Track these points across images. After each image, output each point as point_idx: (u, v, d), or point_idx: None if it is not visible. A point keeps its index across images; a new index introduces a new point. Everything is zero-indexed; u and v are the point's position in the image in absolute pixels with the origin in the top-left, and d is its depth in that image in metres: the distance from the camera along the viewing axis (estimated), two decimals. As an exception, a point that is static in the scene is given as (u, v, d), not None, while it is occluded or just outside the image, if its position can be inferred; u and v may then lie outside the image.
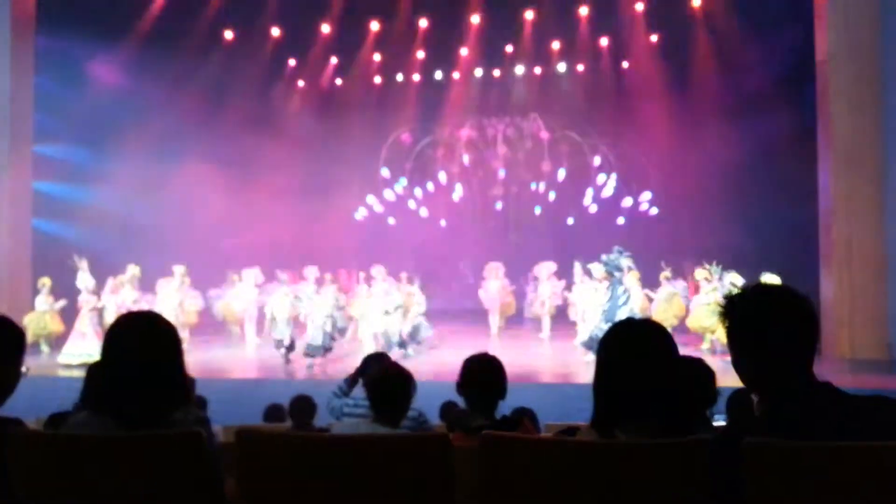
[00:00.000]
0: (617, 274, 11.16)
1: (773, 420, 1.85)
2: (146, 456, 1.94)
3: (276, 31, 16.14)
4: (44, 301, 12.27)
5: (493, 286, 14.36)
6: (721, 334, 10.73)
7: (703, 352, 10.78)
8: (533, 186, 17.37)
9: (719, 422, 3.61)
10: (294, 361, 11.28)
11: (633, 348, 1.96)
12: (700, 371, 3.26)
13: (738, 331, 1.94)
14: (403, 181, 17.43)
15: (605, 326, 10.29)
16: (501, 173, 17.56)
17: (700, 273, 11.77)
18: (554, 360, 11.53)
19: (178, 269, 13.10)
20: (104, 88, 14.73)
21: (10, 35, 13.02)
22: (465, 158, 17.45)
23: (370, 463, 1.97)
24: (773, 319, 1.88)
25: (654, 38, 15.95)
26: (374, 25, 16.20)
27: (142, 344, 2.06)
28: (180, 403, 2.08)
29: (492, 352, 3.52)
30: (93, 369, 3.46)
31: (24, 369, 2.37)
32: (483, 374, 3.28)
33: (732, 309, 1.94)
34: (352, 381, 4.51)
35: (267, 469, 2.01)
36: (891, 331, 11.37)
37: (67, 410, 3.64)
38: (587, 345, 10.85)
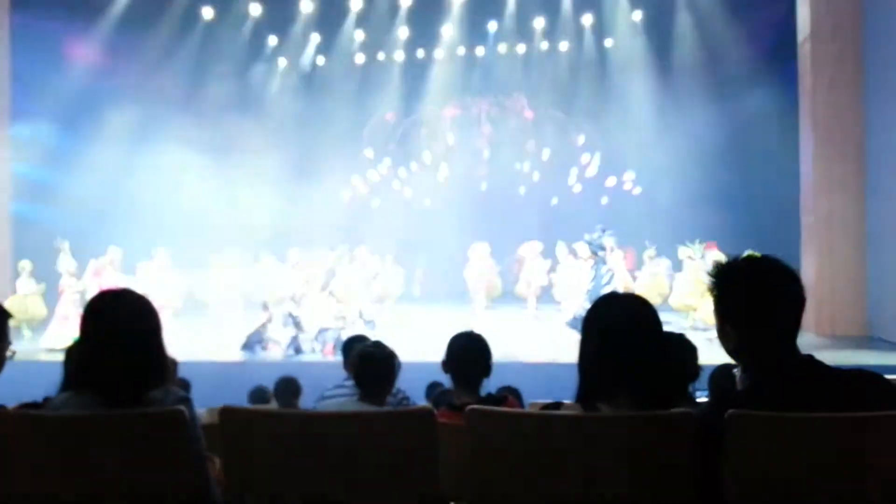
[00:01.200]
0: (600, 253, 11.21)
1: (756, 393, 1.87)
2: (127, 435, 1.92)
3: (255, 9, 15.92)
4: (25, 284, 12.14)
5: (479, 266, 14.37)
6: (704, 313, 10.83)
7: (685, 329, 10.87)
8: (517, 166, 17.34)
9: (702, 398, 3.64)
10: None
11: (617, 321, 1.96)
12: (683, 347, 3.29)
13: (727, 299, 1.95)
14: (387, 161, 17.33)
15: (588, 306, 10.36)
16: (486, 153, 17.51)
17: (683, 251, 11.83)
18: (539, 339, 11.57)
19: (159, 251, 12.99)
20: (82, 68, 14.49)
21: (-17, 14, 12.78)
22: (449, 138, 17.37)
23: (356, 439, 1.97)
24: (763, 290, 1.91)
25: (637, 15, 15.91)
26: (356, 4, 16.03)
27: (119, 321, 2.03)
28: (160, 382, 2.06)
29: (477, 332, 3.52)
30: (71, 350, 3.43)
31: (9, 353, 2.35)
32: (468, 351, 3.28)
33: (723, 278, 1.96)
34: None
35: (252, 448, 2.01)
36: (870, 308, 11.52)
37: (36, 402, 3.60)
38: (572, 324, 10.91)
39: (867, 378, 1.88)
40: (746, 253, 2.05)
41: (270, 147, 16.33)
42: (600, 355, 1.95)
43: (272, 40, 17.14)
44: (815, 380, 1.86)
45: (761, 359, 1.90)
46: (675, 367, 3.06)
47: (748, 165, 14.32)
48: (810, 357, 1.91)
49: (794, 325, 1.92)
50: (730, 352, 1.98)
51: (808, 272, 11.86)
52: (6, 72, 13.40)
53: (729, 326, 1.94)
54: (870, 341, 10.99)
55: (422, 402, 5.11)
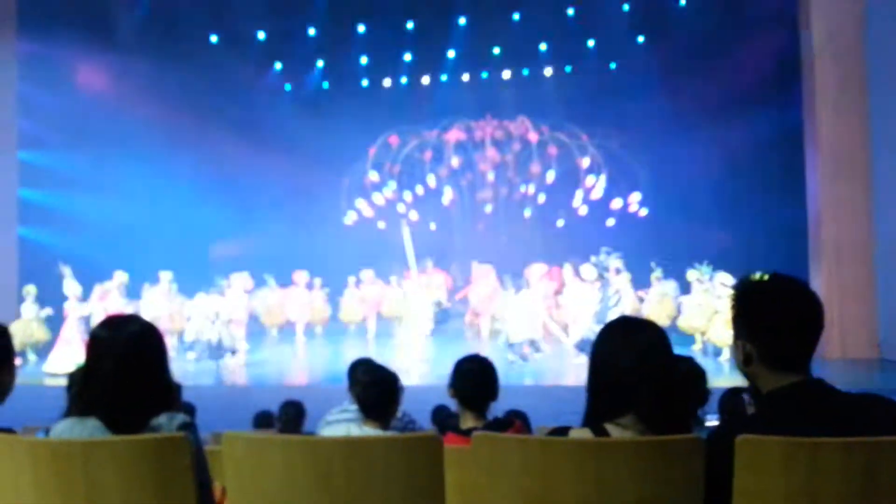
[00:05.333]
0: (606, 275, 11.18)
1: (766, 417, 1.85)
2: (131, 461, 1.90)
3: (261, 35, 16.08)
4: (29, 309, 12.15)
5: (483, 289, 14.34)
6: (712, 335, 10.77)
7: (694, 352, 10.79)
8: (522, 188, 17.37)
9: (711, 422, 3.60)
10: None
11: (629, 344, 1.95)
12: (692, 370, 3.25)
13: (748, 314, 1.94)
14: (392, 184, 17.39)
15: (597, 328, 10.35)
16: (490, 176, 17.56)
17: (691, 274, 11.79)
18: (544, 362, 11.50)
19: (165, 276, 13.01)
20: (89, 94, 14.63)
21: (-8, 41, 12.93)
22: (454, 161, 17.43)
23: (361, 465, 1.94)
24: (786, 308, 1.90)
25: (640, 38, 16.00)
26: (361, 28, 16.18)
27: (124, 347, 2.02)
28: (165, 408, 2.04)
29: (482, 354, 3.50)
30: (75, 375, 3.41)
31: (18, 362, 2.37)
32: (475, 374, 3.26)
33: (747, 292, 1.96)
34: None
35: (256, 474, 1.98)
36: (880, 330, 11.43)
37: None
38: (579, 346, 10.86)
39: (877, 402, 1.86)
40: (760, 274, 2.05)
41: (276, 170, 16.42)
42: (609, 382, 1.94)
43: (278, 65, 17.30)
44: (825, 404, 1.85)
45: (772, 379, 1.88)
46: (684, 390, 3.03)
47: (755, 187, 14.31)
48: (820, 381, 1.89)
49: (811, 347, 1.91)
50: (740, 365, 1.96)
51: (817, 294, 11.80)
52: (14, 97, 13.53)
53: (744, 342, 1.92)
54: (880, 364, 10.90)
55: (427, 425, 5.07)
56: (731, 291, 2.01)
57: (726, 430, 1.87)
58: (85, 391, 2.07)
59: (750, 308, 1.94)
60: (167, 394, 2.12)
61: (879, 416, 1.81)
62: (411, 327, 11.80)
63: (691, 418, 3.10)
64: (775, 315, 1.89)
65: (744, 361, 1.93)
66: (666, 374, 1.92)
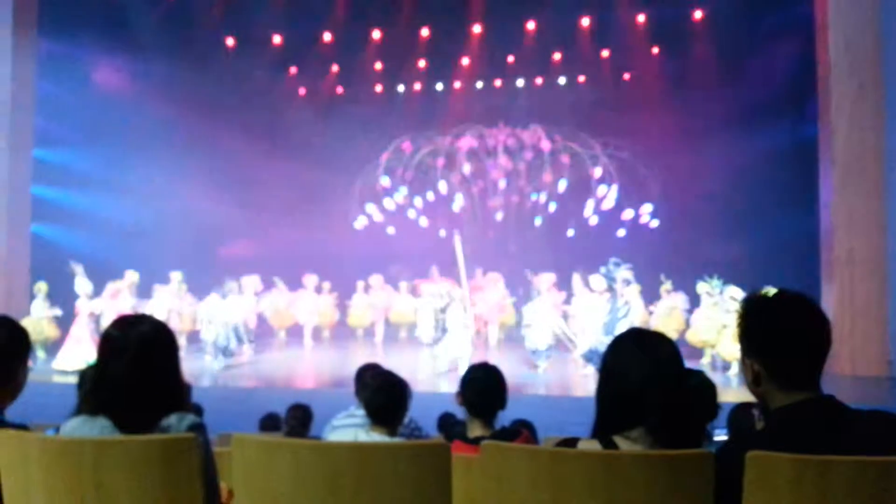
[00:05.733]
0: (615, 286, 11.14)
1: (775, 433, 1.84)
2: (140, 460, 1.91)
3: (277, 39, 16.16)
4: (40, 306, 12.22)
5: (492, 297, 14.33)
6: (722, 349, 10.71)
7: (703, 366, 10.73)
8: (534, 197, 17.36)
9: (720, 436, 3.58)
10: None
11: (641, 357, 1.94)
12: (702, 384, 3.23)
13: (755, 331, 1.94)
14: (403, 190, 17.42)
15: (605, 339, 10.34)
16: (502, 184, 17.56)
17: (701, 286, 11.73)
18: (552, 372, 11.48)
19: (176, 276, 13.05)
20: (105, 94, 14.75)
21: (12, 39, 13.03)
22: (466, 168, 17.44)
23: (369, 471, 1.94)
24: (792, 325, 1.90)
25: (655, 49, 15.98)
26: (376, 34, 16.23)
27: (136, 347, 2.02)
28: (176, 408, 2.05)
29: (491, 363, 3.49)
30: (86, 373, 3.43)
31: (30, 364, 2.40)
32: (484, 383, 3.25)
33: (754, 309, 1.96)
34: None
35: (264, 477, 1.98)
36: (892, 347, 11.33)
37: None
38: (587, 357, 10.82)
39: (886, 420, 1.86)
40: (767, 289, 2.04)
41: (288, 173, 16.47)
42: (618, 394, 1.93)
43: (292, 69, 17.38)
44: (834, 421, 1.84)
45: (782, 397, 1.87)
46: (693, 405, 3.01)
47: (767, 200, 14.23)
48: (831, 397, 1.88)
49: (819, 365, 1.91)
50: (750, 384, 1.95)
51: (829, 310, 11.64)
52: (31, 94, 13.64)
53: (752, 359, 1.92)
54: (891, 382, 10.80)
55: (432, 431, 5.06)
56: (738, 309, 2.00)
57: (735, 446, 1.87)
58: (95, 390, 2.07)
59: (757, 327, 1.94)
60: (178, 394, 2.12)
61: (888, 434, 1.81)
62: (455, 340, 11.73)
63: (701, 433, 3.08)
64: (783, 334, 1.89)
65: (753, 381, 1.93)
66: (676, 387, 1.91)
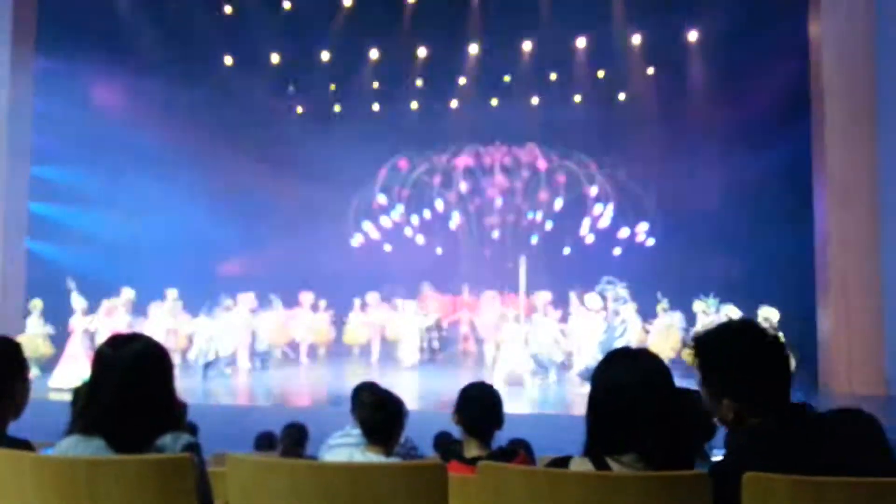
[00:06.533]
0: (613, 305, 11.15)
1: (754, 446, 1.87)
2: (135, 480, 1.89)
3: (275, 58, 16.25)
4: (35, 323, 12.17)
5: (489, 315, 14.31)
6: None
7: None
8: (530, 215, 17.40)
9: (717, 457, 3.56)
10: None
11: (626, 379, 1.93)
12: (697, 403, 3.22)
13: (711, 370, 1.96)
14: (400, 208, 17.45)
15: (601, 357, 10.31)
16: (498, 202, 17.60)
17: (698, 305, 11.74)
18: (548, 390, 11.45)
19: (171, 293, 13.02)
20: (103, 111, 14.78)
21: (9, 56, 13.06)
22: (462, 186, 17.50)
23: (366, 491, 1.93)
24: (756, 356, 1.93)
25: (650, 70, 16.10)
26: (374, 53, 16.34)
27: (131, 366, 2.01)
28: (170, 428, 2.04)
29: (487, 382, 3.49)
30: (80, 391, 3.41)
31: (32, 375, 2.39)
32: (480, 402, 3.24)
33: (713, 351, 1.97)
34: None
35: (259, 497, 1.97)
36: (888, 366, 11.32)
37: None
38: (583, 375, 10.81)
39: (856, 419, 1.89)
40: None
41: (284, 191, 16.51)
42: (609, 412, 1.92)
43: (290, 88, 17.45)
44: (811, 426, 1.87)
45: (759, 414, 1.91)
46: (688, 424, 3.00)
47: (762, 219, 14.29)
48: (803, 404, 1.92)
49: (788, 388, 1.94)
50: (731, 423, 1.95)
51: (824, 328, 11.73)
52: (29, 112, 13.66)
53: (729, 401, 1.93)
54: (888, 400, 10.79)
55: (428, 451, 5.04)
56: (691, 352, 2.00)
57: (727, 466, 1.88)
58: (88, 409, 2.06)
59: (725, 369, 1.94)
60: (172, 413, 2.11)
61: (861, 433, 1.85)
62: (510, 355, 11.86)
63: (697, 453, 3.07)
64: (752, 372, 1.91)
65: (736, 420, 1.93)
66: (666, 410, 1.90)
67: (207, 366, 12.23)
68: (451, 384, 11.07)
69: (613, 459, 1.88)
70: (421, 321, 14.06)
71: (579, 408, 9.66)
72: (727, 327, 2.03)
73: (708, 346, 1.98)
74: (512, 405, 9.99)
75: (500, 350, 11.93)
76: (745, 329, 2.00)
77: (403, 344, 13.75)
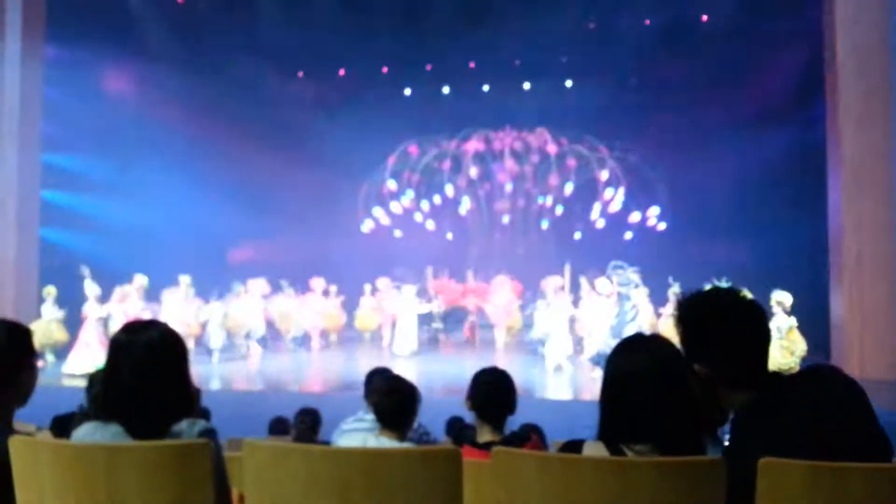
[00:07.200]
0: (623, 290, 11.12)
1: (753, 424, 1.89)
2: (152, 466, 1.91)
3: (284, 43, 16.21)
4: (49, 310, 12.28)
5: (500, 300, 14.32)
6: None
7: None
8: (540, 200, 17.37)
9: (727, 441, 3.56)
10: None
11: (641, 366, 1.93)
12: (710, 389, 3.22)
13: (691, 335, 1.97)
14: (410, 193, 17.43)
15: (613, 342, 10.31)
16: (508, 187, 17.56)
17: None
18: (560, 375, 11.46)
19: (184, 280, 13.10)
20: (113, 99, 14.83)
21: (20, 45, 13.11)
22: (472, 171, 17.46)
23: (381, 476, 1.94)
24: (730, 320, 1.93)
25: (662, 53, 15.95)
26: (384, 39, 16.26)
27: (145, 353, 2.03)
28: (186, 414, 2.05)
29: (498, 366, 3.49)
30: (95, 377, 3.44)
31: (40, 364, 2.40)
32: (493, 387, 3.24)
33: (689, 317, 1.99)
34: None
35: (275, 482, 1.98)
36: (901, 351, 11.26)
37: (72, 412, 3.62)
38: (594, 360, 10.81)
39: (833, 375, 1.91)
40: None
41: (295, 177, 16.53)
42: (623, 401, 1.92)
43: (300, 73, 17.43)
44: (790, 389, 1.89)
45: (734, 398, 1.93)
46: (702, 409, 3.00)
47: (776, 203, 14.20)
48: (776, 374, 1.94)
49: (765, 358, 1.95)
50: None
51: (838, 312, 11.66)
52: (39, 100, 13.71)
53: (700, 366, 1.95)
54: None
55: (440, 436, 5.06)
56: (673, 313, 2.01)
57: (733, 449, 1.90)
58: (105, 396, 2.08)
59: (697, 332, 1.96)
60: (187, 399, 2.12)
61: (835, 388, 1.87)
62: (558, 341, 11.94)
63: (710, 438, 3.07)
64: (724, 336, 1.91)
65: (706, 388, 1.95)
66: (681, 398, 1.90)
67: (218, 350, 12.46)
68: (455, 369, 11.16)
69: (627, 447, 1.88)
70: (420, 307, 13.95)
71: (591, 393, 9.68)
72: (708, 292, 2.04)
73: (686, 307, 1.99)
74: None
75: (549, 338, 11.92)
76: (725, 294, 2.01)
77: (400, 329, 13.51)
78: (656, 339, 2.05)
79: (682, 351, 1.98)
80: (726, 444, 3.32)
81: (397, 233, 17.38)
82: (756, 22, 13.97)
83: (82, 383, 3.67)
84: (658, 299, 12.50)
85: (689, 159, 15.20)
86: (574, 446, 1.98)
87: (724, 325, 1.91)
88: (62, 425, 3.47)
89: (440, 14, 15.37)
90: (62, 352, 11.87)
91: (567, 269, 12.76)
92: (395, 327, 13.79)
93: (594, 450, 1.92)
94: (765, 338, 1.95)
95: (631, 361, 1.95)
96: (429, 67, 17.02)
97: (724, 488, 1.76)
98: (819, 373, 1.93)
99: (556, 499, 1.81)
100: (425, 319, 14.12)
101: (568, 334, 11.77)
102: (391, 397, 3.42)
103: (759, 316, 1.95)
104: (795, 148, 13.80)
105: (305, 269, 15.00)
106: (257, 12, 15.30)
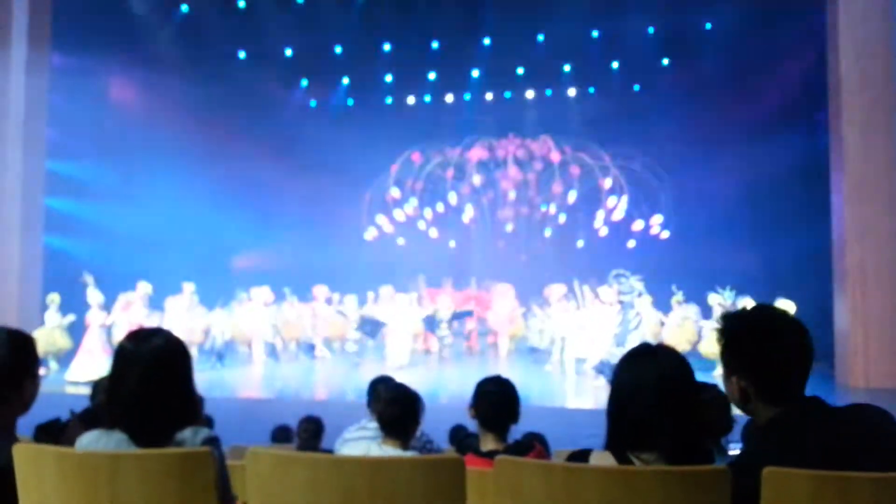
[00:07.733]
0: (626, 298, 11.10)
1: (780, 443, 1.85)
2: (155, 474, 1.91)
3: (288, 51, 16.28)
4: (52, 317, 12.28)
5: (503, 308, 14.30)
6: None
7: (715, 378, 10.64)
8: (543, 208, 17.36)
9: (735, 450, 3.55)
10: None
11: (649, 377, 1.93)
12: (716, 399, 3.21)
13: (735, 349, 1.97)
14: (413, 201, 17.44)
15: (616, 350, 10.29)
16: (512, 195, 17.56)
17: (713, 298, 11.68)
18: (563, 383, 11.44)
19: (188, 287, 13.11)
20: (118, 107, 14.89)
21: (25, 51, 13.16)
22: (476, 179, 17.47)
23: (384, 485, 1.94)
24: (770, 339, 1.93)
25: (665, 61, 15.99)
26: (387, 46, 16.33)
27: (152, 361, 2.03)
28: (190, 422, 2.05)
29: (500, 374, 3.48)
30: (99, 385, 3.44)
31: (42, 371, 2.40)
32: (497, 396, 3.24)
33: (731, 328, 1.99)
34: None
35: (278, 491, 1.98)
36: (905, 359, 11.21)
37: (55, 419, 3.60)
38: (597, 369, 10.78)
39: (871, 413, 1.89)
40: (777, 302, 2.07)
41: (298, 185, 16.56)
42: (630, 412, 1.92)
43: (304, 81, 17.49)
44: (826, 421, 1.86)
45: (771, 412, 1.91)
46: (708, 418, 2.99)
47: (780, 211, 14.17)
48: (815, 398, 1.92)
49: (805, 376, 1.94)
50: (737, 402, 1.99)
51: (841, 321, 11.62)
52: (44, 107, 13.76)
53: (737, 377, 1.95)
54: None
55: (443, 444, 5.05)
56: (717, 327, 2.02)
57: (744, 460, 1.89)
58: (110, 404, 2.08)
59: (740, 345, 1.96)
60: (191, 408, 2.12)
61: (879, 426, 1.85)
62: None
63: (715, 447, 3.06)
64: (767, 351, 1.91)
65: (741, 399, 1.94)
66: (688, 408, 1.90)
67: (221, 356, 12.51)
68: (457, 377, 11.13)
69: (634, 456, 1.89)
70: (416, 314, 13.85)
71: (594, 401, 9.65)
72: (755, 308, 2.05)
73: (732, 321, 2.00)
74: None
75: (567, 346, 11.97)
76: (771, 311, 2.02)
77: (393, 339, 13.19)
78: (663, 350, 2.06)
79: (722, 363, 2.00)
80: (732, 452, 3.32)
81: (400, 240, 17.37)
82: (759, 30, 13.97)
83: (85, 391, 3.68)
84: (661, 307, 12.47)
85: (693, 168, 15.18)
86: (581, 456, 1.98)
87: (769, 341, 1.92)
88: (45, 435, 3.42)
89: (444, 22, 15.41)
90: (65, 359, 11.87)
91: (575, 283, 12.75)
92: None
93: (601, 459, 1.92)
94: (807, 357, 1.94)
95: (638, 372, 1.96)
96: (432, 76, 17.07)
97: (729, 497, 1.76)
98: (862, 406, 1.92)
99: (561, 508, 1.81)
100: (431, 327, 14.07)
101: (579, 336, 11.75)
102: (395, 406, 3.43)
103: (802, 335, 1.95)
104: (799, 156, 13.78)
105: (308, 277, 15.00)
106: (262, 21, 15.35)
